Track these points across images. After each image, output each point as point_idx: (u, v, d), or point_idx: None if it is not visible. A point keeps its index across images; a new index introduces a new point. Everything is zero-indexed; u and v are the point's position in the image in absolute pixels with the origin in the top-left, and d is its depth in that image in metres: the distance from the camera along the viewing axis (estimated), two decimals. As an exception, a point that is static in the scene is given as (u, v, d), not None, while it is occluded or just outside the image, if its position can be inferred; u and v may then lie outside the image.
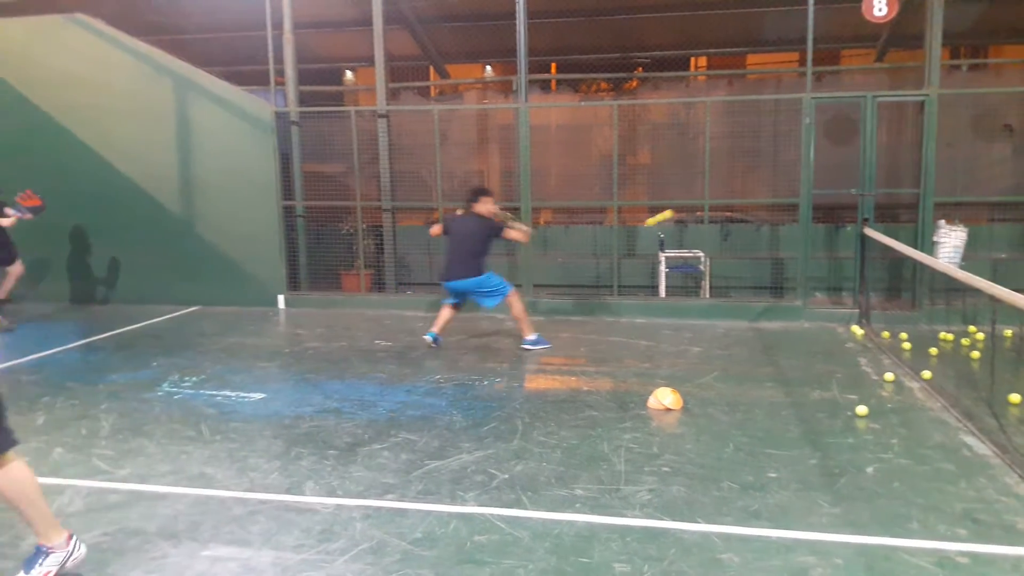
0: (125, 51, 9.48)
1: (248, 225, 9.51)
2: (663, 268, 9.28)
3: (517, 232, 7.22)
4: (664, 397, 5.42)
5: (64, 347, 7.53)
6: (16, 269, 8.58)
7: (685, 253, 9.50)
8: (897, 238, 7.64)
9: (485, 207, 7.19)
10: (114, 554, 3.41)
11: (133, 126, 9.52)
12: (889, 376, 6.11)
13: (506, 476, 4.24)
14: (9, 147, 9.66)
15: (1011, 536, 3.49)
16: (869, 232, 7.99)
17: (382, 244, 9.84)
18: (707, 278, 9.21)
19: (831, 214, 9.76)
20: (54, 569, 3.14)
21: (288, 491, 4.08)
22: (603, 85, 14.66)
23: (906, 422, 5.09)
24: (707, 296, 9.17)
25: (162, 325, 8.66)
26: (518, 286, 9.31)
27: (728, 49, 13.50)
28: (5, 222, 8.10)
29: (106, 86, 9.51)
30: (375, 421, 5.20)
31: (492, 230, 7.17)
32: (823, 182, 8.53)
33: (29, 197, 8.30)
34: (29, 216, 8.29)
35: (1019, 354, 6.84)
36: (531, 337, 7.30)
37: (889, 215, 9.46)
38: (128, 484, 4.18)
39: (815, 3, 8.17)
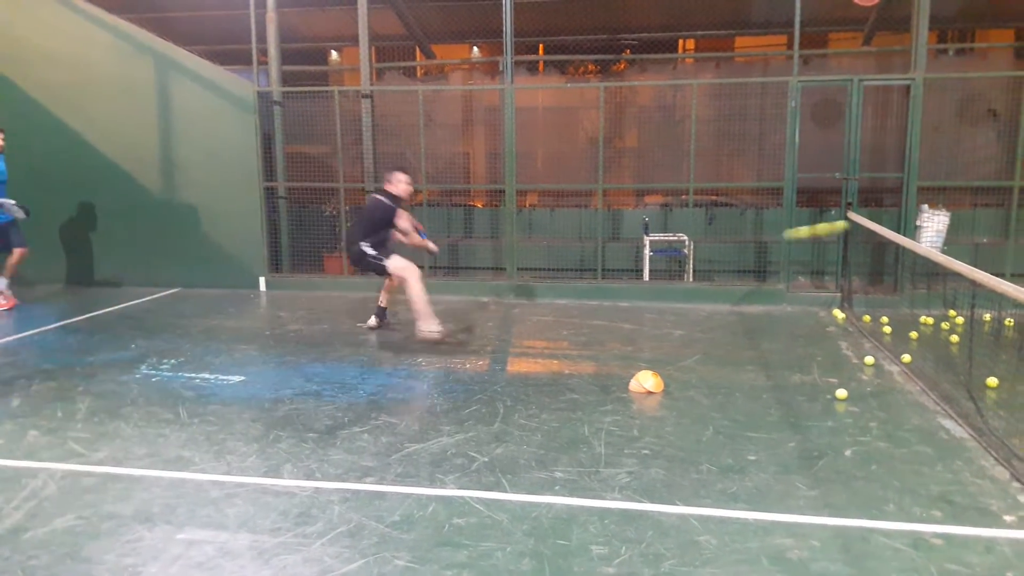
0: (105, 28, 9.31)
1: (229, 206, 9.42)
2: (647, 252, 9.27)
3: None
4: (645, 380, 5.43)
5: (42, 328, 7.44)
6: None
7: (669, 237, 9.49)
8: (880, 222, 7.66)
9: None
10: (88, 537, 3.38)
11: (112, 105, 9.38)
12: (869, 360, 6.14)
13: (486, 459, 4.23)
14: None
15: (985, 518, 3.52)
16: (852, 216, 7.99)
17: (366, 226, 9.76)
18: (691, 262, 9.22)
19: (815, 198, 9.78)
20: None
21: (266, 474, 4.05)
22: (590, 67, 14.57)
23: (885, 405, 5.12)
24: (690, 280, 9.18)
25: (141, 307, 8.58)
26: (502, 269, 9.33)
27: (716, 32, 13.45)
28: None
29: (85, 64, 9.35)
30: (355, 404, 5.17)
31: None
32: (808, 166, 8.53)
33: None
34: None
35: (997, 338, 6.88)
36: None
37: (873, 199, 9.49)
38: (104, 467, 4.14)
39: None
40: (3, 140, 8.08)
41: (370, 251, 6.78)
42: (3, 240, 8.23)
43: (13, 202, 8.00)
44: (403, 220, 6.92)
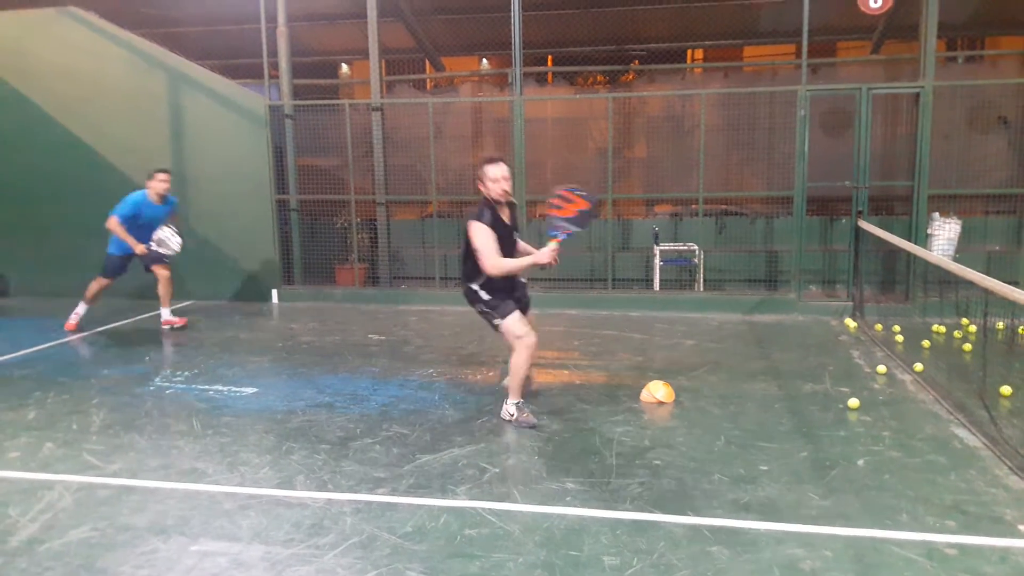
0: (119, 44, 9.43)
1: (242, 219, 9.49)
2: (657, 261, 9.27)
3: None
4: (656, 390, 5.42)
5: (56, 342, 7.51)
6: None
7: (680, 246, 9.49)
8: (891, 231, 7.63)
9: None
10: (103, 549, 3.41)
11: (126, 119, 9.48)
12: (881, 368, 6.11)
13: (497, 470, 4.24)
14: (2, 141, 9.62)
15: (999, 527, 3.50)
16: (863, 225, 7.98)
17: (376, 238, 9.82)
18: (701, 271, 9.21)
19: (825, 207, 9.75)
20: None
21: (279, 485, 4.07)
22: (599, 78, 14.60)
23: (897, 414, 5.10)
24: (701, 289, 9.17)
25: (155, 320, 8.63)
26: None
27: (724, 41, 13.47)
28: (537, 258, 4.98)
29: (99, 79, 9.47)
30: (367, 415, 5.19)
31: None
32: (818, 174, 8.53)
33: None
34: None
35: (1011, 346, 6.84)
36: None
37: (884, 207, 9.46)
38: (118, 479, 4.17)
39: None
40: (168, 182, 7.83)
41: (483, 296, 4.94)
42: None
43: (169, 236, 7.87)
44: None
